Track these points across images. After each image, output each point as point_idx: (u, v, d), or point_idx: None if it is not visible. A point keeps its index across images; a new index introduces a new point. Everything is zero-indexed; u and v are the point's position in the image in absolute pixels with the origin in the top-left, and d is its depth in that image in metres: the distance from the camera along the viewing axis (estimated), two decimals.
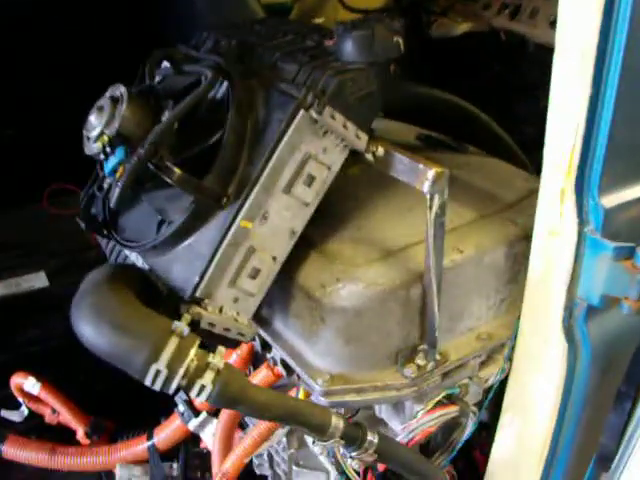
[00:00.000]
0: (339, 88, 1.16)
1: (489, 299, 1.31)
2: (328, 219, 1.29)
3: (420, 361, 1.23)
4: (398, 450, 1.25)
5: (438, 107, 1.49)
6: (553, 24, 1.98)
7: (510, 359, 1.33)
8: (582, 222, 1.18)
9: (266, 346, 1.38)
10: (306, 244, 1.25)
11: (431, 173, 1.11)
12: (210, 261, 1.16)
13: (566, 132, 1.15)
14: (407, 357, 1.24)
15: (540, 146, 1.22)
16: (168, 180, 1.15)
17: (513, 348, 1.33)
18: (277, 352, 1.34)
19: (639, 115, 1.17)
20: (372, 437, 1.21)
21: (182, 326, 1.09)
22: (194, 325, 1.15)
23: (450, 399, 1.30)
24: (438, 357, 1.26)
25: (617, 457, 1.31)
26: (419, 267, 1.21)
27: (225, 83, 1.26)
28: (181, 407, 1.74)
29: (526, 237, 1.30)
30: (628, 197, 1.21)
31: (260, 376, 1.45)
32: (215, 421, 1.68)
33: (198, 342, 1.08)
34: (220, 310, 1.18)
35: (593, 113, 1.14)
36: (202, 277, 1.16)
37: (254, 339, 1.38)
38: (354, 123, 1.17)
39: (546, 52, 2.06)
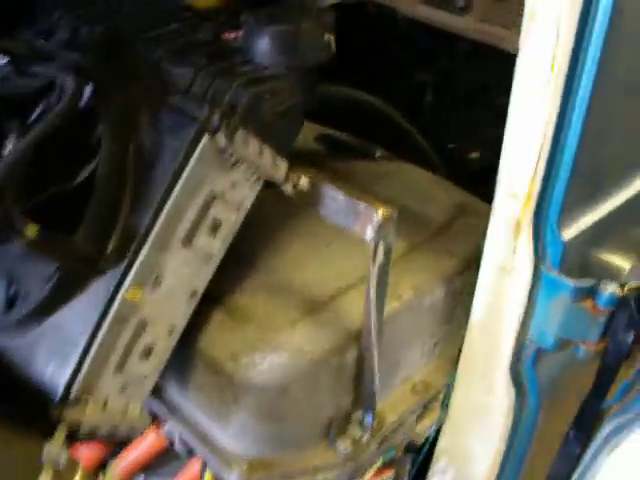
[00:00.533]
0: (253, 103, 0.86)
1: (424, 344, 1.09)
2: (232, 262, 1.00)
3: (355, 431, 1.00)
4: None
5: (347, 105, 1.22)
6: None
7: (447, 405, 1.15)
8: (539, 258, 0.99)
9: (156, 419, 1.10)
10: (208, 299, 0.96)
11: (376, 216, 0.86)
12: (87, 347, 0.83)
13: (527, 156, 0.94)
14: (340, 429, 1.00)
15: None
16: (18, 242, 0.81)
17: (450, 394, 1.14)
18: (175, 427, 1.05)
19: (606, 134, 0.98)
20: None
21: (56, 451, 0.78)
22: (73, 434, 0.84)
23: (385, 463, 1.10)
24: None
25: None
26: (354, 323, 0.96)
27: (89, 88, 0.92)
28: None
29: (464, 270, 1.09)
30: (584, 225, 1.03)
31: (144, 446, 1.16)
32: None
33: (80, 471, 0.78)
34: (104, 405, 0.88)
35: (559, 135, 0.93)
36: (77, 370, 0.84)
37: None
38: (271, 147, 0.89)
39: (415, 27, 1.89)
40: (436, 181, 1.26)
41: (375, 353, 0.93)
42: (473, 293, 1.08)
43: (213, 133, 0.82)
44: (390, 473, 1.07)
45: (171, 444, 1.09)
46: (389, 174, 1.23)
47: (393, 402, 1.05)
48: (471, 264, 1.09)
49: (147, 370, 0.90)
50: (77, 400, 0.84)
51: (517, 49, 1.71)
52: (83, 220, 0.83)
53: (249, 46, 0.88)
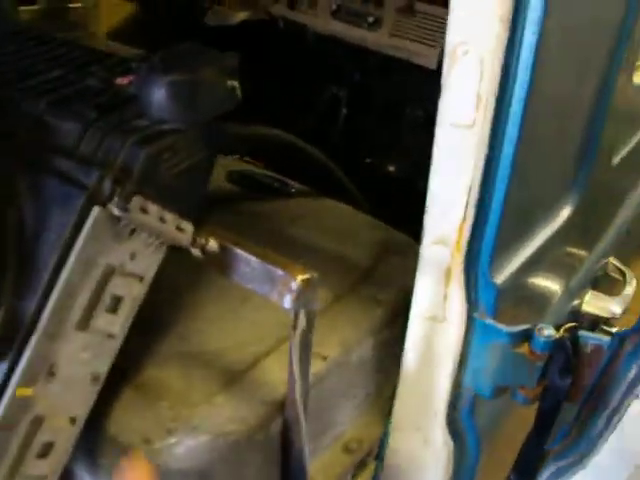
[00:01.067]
0: (150, 165, 0.75)
1: (355, 398, 1.01)
2: (138, 330, 0.88)
3: None
4: None
5: (261, 144, 1.12)
6: (334, 14, 1.70)
7: (381, 459, 1.06)
8: (471, 305, 0.92)
9: None
10: (114, 374, 0.84)
11: (295, 284, 0.76)
12: None
13: (455, 202, 0.86)
14: None
15: None
16: None
17: (384, 447, 1.06)
18: None
19: (534, 171, 0.91)
20: None
21: None
22: None
23: None
24: None
25: None
26: (276, 391, 0.86)
27: None
28: None
29: (393, 318, 1.01)
30: (515, 266, 0.96)
31: None
32: None
33: None
34: None
35: (488, 177, 0.86)
36: None
37: None
38: (174, 210, 0.78)
39: (327, 43, 1.81)
40: (357, 217, 1.17)
41: (302, 423, 0.84)
42: (403, 341, 1.01)
43: (104, 203, 0.71)
44: None
45: None
46: (307, 214, 1.14)
47: (324, 466, 0.96)
48: (399, 311, 1.01)
49: (46, 469, 0.77)
50: None
51: (428, 62, 1.67)
52: None
53: (142, 97, 0.76)
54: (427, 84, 1.56)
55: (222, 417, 0.83)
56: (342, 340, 0.93)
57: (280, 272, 0.77)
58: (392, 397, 1.03)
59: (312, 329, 0.80)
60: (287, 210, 1.15)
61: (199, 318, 0.94)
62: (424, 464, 1.01)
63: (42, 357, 0.72)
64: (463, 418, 1.00)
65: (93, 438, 0.85)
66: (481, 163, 0.85)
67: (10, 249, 0.73)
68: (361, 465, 1.01)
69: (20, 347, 0.71)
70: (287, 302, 0.77)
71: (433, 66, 1.63)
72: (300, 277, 0.76)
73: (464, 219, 0.89)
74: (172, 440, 0.81)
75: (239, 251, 0.79)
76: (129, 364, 0.86)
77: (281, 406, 0.85)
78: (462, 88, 0.82)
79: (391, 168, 1.98)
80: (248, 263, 0.79)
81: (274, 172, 1.20)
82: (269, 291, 0.78)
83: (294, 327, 0.78)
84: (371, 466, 1.03)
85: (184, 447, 0.81)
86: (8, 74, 0.84)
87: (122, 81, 0.85)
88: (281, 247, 0.81)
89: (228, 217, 0.97)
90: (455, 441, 1.00)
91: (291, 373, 0.80)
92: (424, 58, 1.69)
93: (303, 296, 0.77)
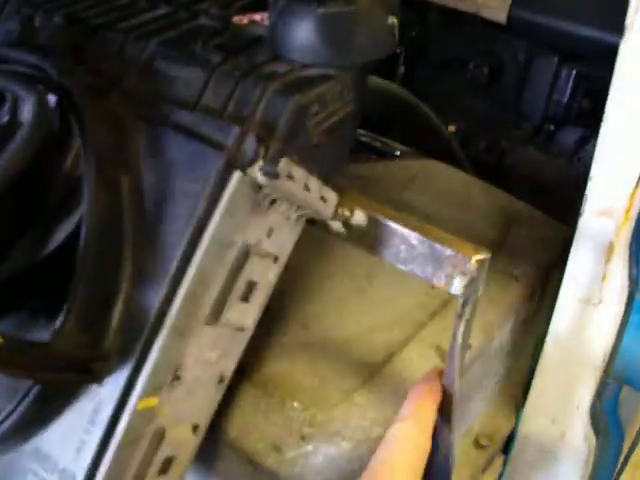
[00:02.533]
0: (299, 118, 0.57)
1: (487, 388, 0.86)
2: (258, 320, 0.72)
3: None
4: None
5: (378, 98, 0.94)
6: None
7: (510, 453, 0.91)
8: (633, 285, 0.76)
9: None
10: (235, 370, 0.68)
11: (469, 265, 0.60)
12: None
13: (628, 165, 0.69)
14: None
15: None
16: None
17: (512, 441, 0.91)
18: None
19: None
20: None
21: None
22: None
23: None
24: None
25: None
26: None
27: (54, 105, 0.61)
28: None
29: (530, 296, 0.85)
30: None
31: None
32: None
33: None
34: None
35: None
36: None
37: None
38: (319, 176, 0.61)
39: None
40: (471, 182, 0.99)
41: (454, 422, 0.69)
42: (539, 321, 0.85)
43: (247, 167, 0.54)
44: None
45: None
46: (417, 177, 0.97)
47: (457, 466, 0.81)
48: (536, 288, 0.85)
49: None
50: None
51: (497, 15, 1.48)
52: (63, 308, 0.53)
53: (280, 36, 0.58)
54: (493, 40, 1.39)
55: (366, 419, 0.67)
56: (484, 324, 0.77)
57: (449, 251, 0.60)
58: (522, 384, 0.88)
59: (474, 318, 0.64)
60: (396, 173, 0.97)
61: (320, 301, 0.77)
62: (560, 460, 0.87)
63: (169, 360, 0.56)
64: (607, 411, 0.84)
65: (213, 447, 0.69)
66: None
67: (127, 227, 0.56)
68: (490, 461, 0.87)
69: (145, 348, 0.55)
70: (456, 287, 0.60)
71: (503, 20, 1.44)
72: (475, 257, 0.60)
73: (637, 185, 0.72)
74: (308, 448, 0.66)
75: (394, 225, 0.62)
76: (249, 359, 0.70)
77: None
78: None
79: (452, 128, 1.81)
80: (406, 240, 0.62)
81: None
82: (432, 274, 0.62)
83: (459, 316, 0.62)
84: (499, 462, 0.89)
85: (323, 456, 0.66)
86: (106, 13, 0.66)
87: (241, 20, 0.67)
88: None
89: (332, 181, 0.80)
90: (598, 437, 0.85)
91: (450, 368, 0.64)
92: (493, 11, 1.50)
93: (475, 282, 0.60)
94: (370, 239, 0.64)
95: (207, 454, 0.71)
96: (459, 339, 0.63)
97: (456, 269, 0.61)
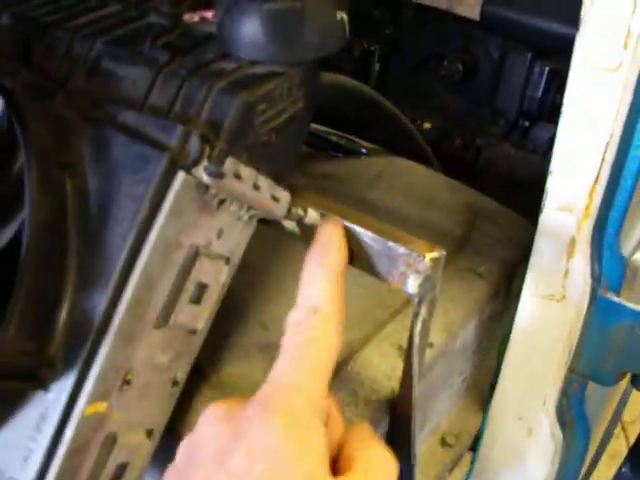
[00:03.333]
0: (245, 116, 0.55)
1: (452, 386, 0.84)
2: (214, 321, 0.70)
3: None
4: None
5: (336, 96, 0.93)
6: None
7: (478, 450, 0.90)
8: (595, 281, 0.75)
9: None
10: (191, 373, 0.66)
11: (423, 264, 0.58)
12: None
13: (588, 161, 0.68)
14: None
15: None
16: None
17: (480, 438, 0.90)
18: None
19: None
20: None
21: None
22: None
23: None
24: None
25: None
26: (381, 388, 0.69)
27: None
28: None
29: (495, 294, 0.84)
30: None
31: None
32: None
33: None
34: None
35: (630, 129, 0.68)
36: None
37: None
38: (269, 175, 0.59)
39: None
40: (437, 179, 0.98)
41: (415, 423, 0.68)
42: (505, 319, 0.84)
43: (191, 167, 0.52)
44: None
45: None
46: (382, 175, 0.95)
47: (422, 464, 0.80)
48: (500, 286, 0.84)
49: None
50: None
51: (470, 12, 1.47)
52: (5, 313, 0.52)
53: (227, 33, 0.56)
54: (467, 37, 1.38)
55: None
56: (447, 323, 0.76)
57: (403, 249, 0.59)
58: (489, 383, 0.87)
59: (432, 317, 0.63)
60: (361, 171, 0.96)
61: (280, 301, 0.75)
62: (527, 457, 0.86)
63: (116, 365, 0.54)
64: (573, 406, 0.84)
65: (167, 447, 0.68)
66: (623, 113, 0.68)
67: (71, 230, 0.54)
68: (457, 460, 0.86)
69: (91, 353, 0.53)
70: (411, 286, 0.59)
71: (476, 16, 1.43)
72: (429, 256, 0.58)
73: (597, 181, 0.71)
74: None
75: (347, 224, 0.61)
76: (205, 361, 0.69)
77: (387, 405, 0.69)
78: (608, 21, 0.64)
79: (427, 125, 1.80)
80: (360, 239, 0.61)
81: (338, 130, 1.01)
82: (386, 273, 0.60)
83: (415, 315, 0.61)
84: (467, 460, 0.88)
85: None
86: (55, 12, 0.64)
87: (191, 17, 0.65)
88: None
89: (298, 180, 0.79)
90: (564, 432, 0.84)
91: (408, 368, 0.63)
92: (466, 7, 1.49)
93: (430, 280, 0.59)
94: None
95: (165, 459, 0.70)
96: (417, 339, 0.62)
97: (410, 268, 0.59)
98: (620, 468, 0.92)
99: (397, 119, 1.02)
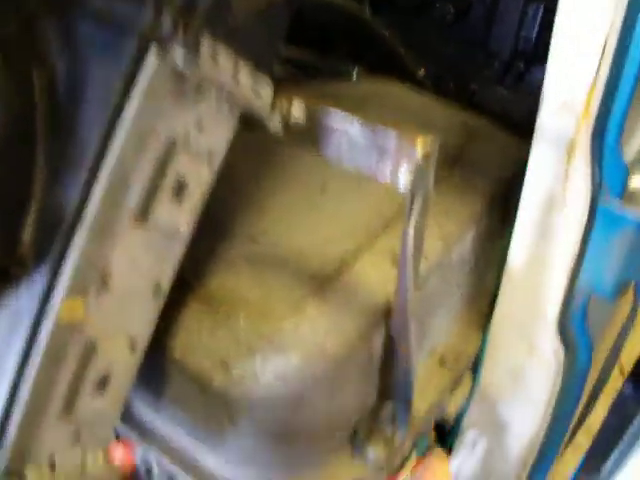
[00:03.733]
0: None
1: (449, 302, 0.81)
2: (202, 232, 0.67)
3: (385, 431, 0.72)
4: None
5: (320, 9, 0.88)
6: None
7: (479, 371, 0.87)
8: (596, 186, 0.71)
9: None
10: (177, 286, 0.62)
11: (415, 152, 0.55)
12: (11, 398, 0.51)
13: (587, 56, 0.64)
14: (367, 432, 0.72)
15: None
16: None
17: (481, 358, 0.87)
18: (152, 453, 0.74)
19: None
20: None
21: None
22: None
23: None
24: None
25: (610, 462, 0.95)
26: (376, 297, 0.66)
27: None
28: None
29: (491, 209, 0.80)
30: None
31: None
32: None
33: None
34: (52, 466, 0.56)
35: (632, 21, 0.64)
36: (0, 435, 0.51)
37: None
38: (249, 64, 0.55)
39: None
40: (429, 101, 0.94)
41: (412, 331, 0.65)
42: (502, 234, 0.81)
43: (165, 48, 0.48)
44: (423, 464, 0.80)
45: (148, 473, 0.78)
46: (374, 96, 0.91)
47: (420, 384, 0.76)
48: (497, 201, 0.81)
49: (105, 405, 0.57)
50: (9, 475, 0.52)
51: None
52: None
53: None
54: None
55: (316, 330, 0.62)
56: (443, 235, 0.73)
57: (393, 141, 0.55)
58: (489, 303, 0.84)
59: (427, 216, 0.59)
60: (351, 93, 0.91)
61: (270, 215, 0.72)
62: (529, 375, 0.83)
63: (92, 261, 0.51)
64: (575, 323, 0.80)
65: (157, 365, 0.65)
66: (622, 5, 0.64)
67: (39, 123, 0.51)
68: (457, 381, 0.83)
69: (63, 248, 0.50)
70: (402, 180, 0.55)
71: None
72: (421, 146, 0.55)
73: (596, 78, 0.67)
74: (256, 362, 0.61)
75: (334, 117, 0.57)
76: (194, 273, 0.66)
77: (383, 313, 0.65)
78: None
79: (421, 71, 1.76)
80: (347, 133, 0.57)
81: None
82: (376, 168, 0.57)
83: (409, 212, 0.57)
84: (468, 381, 0.85)
85: (271, 370, 0.61)
86: None
87: None
88: None
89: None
90: (566, 350, 0.81)
91: (402, 272, 0.60)
92: None
93: (423, 170, 0.56)
94: (310, 137, 0.59)
95: (153, 377, 0.67)
96: (410, 240, 0.59)
97: (401, 160, 0.56)
98: (622, 388, 0.89)
99: (384, 39, 0.98)
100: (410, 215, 0.57)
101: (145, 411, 0.71)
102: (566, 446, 0.96)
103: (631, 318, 1.07)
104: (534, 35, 1.25)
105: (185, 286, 0.65)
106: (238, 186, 0.73)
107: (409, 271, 0.60)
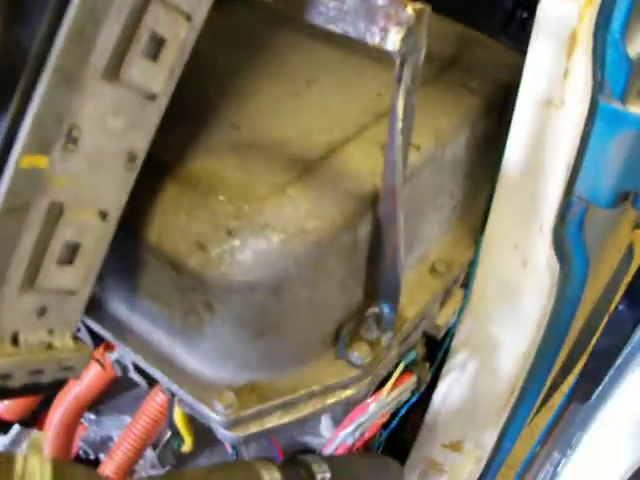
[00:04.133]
0: None
1: (442, 208, 0.77)
2: (182, 113, 0.63)
3: (370, 333, 0.69)
4: (357, 471, 0.73)
5: None
6: None
7: (470, 285, 0.84)
8: (596, 85, 0.67)
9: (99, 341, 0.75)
10: (154, 168, 0.59)
11: (405, 14, 0.51)
12: None
13: None
14: (351, 332, 0.69)
15: None
16: None
17: (472, 272, 0.84)
18: (126, 352, 0.71)
19: None
20: (322, 474, 0.67)
21: None
22: None
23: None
24: None
25: (602, 385, 0.92)
26: (364, 183, 0.62)
27: None
28: None
29: (487, 111, 0.76)
30: None
31: (87, 379, 0.81)
32: (34, 432, 1.01)
33: None
34: (13, 341, 0.53)
35: None
36: None
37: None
38: None
39: None
40: None
41: (400, 220, 0.61)
42: (497, 140, 0.77)
43: None
44: (411, 380, 0.77)
45: (124, 372, 0.76)
46: None
47: (410, 289, 0.73)
48: (493, 104, 0.77)
49: (73, 280, 0.54)
50: None
51: None
52: None
53: None
54: None
55: (299, 211, 0.58)
56: (436, 129, 0.69)
57: (382, 0, 0.52)
58: (483, 212, 0.80)
59: (416, 89, 0.56)
60: None
61: (256, 101, 0.68)
62: (522, 290, 0.79)
63: (57, 111, 0.47)
64: (571, 234, 0.77)
65: (130, 249, 0.62)
66: None
67: None
68: (448, 293, 0.80)
69: (24, 93, 0.46)
70: (392, 42, 0.52)
71: None
72: (412, 5, 0.51)
73: None
74: (235, 243, 0.57)
75: None
76: (173, 154, 0.61)
77: (371, 200, 0.62)
78: None
79: None
80: None
81: None
82: (364, 30, 0.53)
83: (397, 80, 0.53)
84: (458, 295, 0.82)
85: (251, 251, 0.57)
86: None
87: None
88: None
89: None
90: (561, 263, 0.78)
91: (390, 150, 0.56)
92: None
93: (413, 35, 0.52)
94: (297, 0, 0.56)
95: (128, 269, 0.64)
96: (399, 112, 0.55)
97: (391, 20, 0.52)
98: (616, 306, 0.86)
99: None
100: (399, 83, 0.54)
101: (120, 307, 0.68)
102: (558, 372, 0.93)
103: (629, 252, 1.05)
104: None
105: (163, 168, 0.61)
106: (220, 75, 0.69)
107: (397, 150, 0.56)
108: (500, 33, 1.32)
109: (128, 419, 0.94)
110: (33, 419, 1.01)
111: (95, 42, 0.47)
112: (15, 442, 1.00)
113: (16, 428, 1.00)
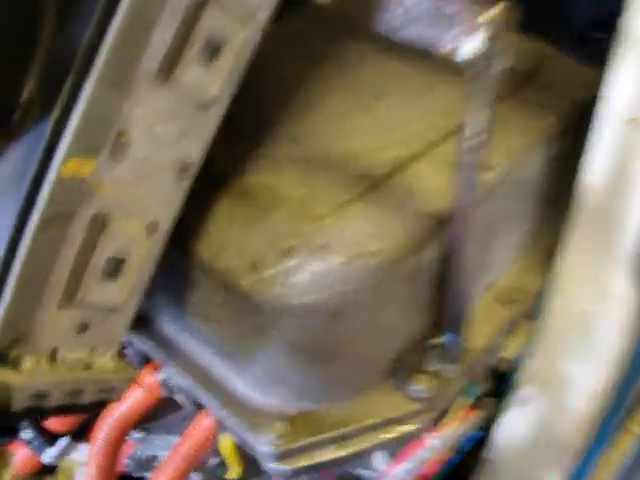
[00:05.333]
0: None
1: (514, 234, 0.70)
2: (242, 126, 0.58)
3: (434, 365, 0.62)
4: None
5: None
6: None
7: (542, 318, 0.76)
8: None
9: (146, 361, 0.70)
10: (210, 181, 0.54)
11: (481, 21, 0.45)
12: (4, 268, 0.44)
13: None
14: (413, 363, 0.62)
15: None
16: None
17: (543, 303, 0.76)
18: (173, 373, 0.66)
19: None
20: None
21: None
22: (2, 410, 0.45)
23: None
24: None
25: None
26: (432, 204, 0.56)
27: None
28: (28, 433, 0.96)
29: (564, 131, 0.69)
30: None
31: (131, 400, 0.76)
32: (84, 446, 0.96)
33: None
34: (52, 358, 0.48)
35: None
36: None
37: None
38: None
39: None
40: None
41: (469, 244, 0.54)
42: (573, 162, 0.69)
43: None
44: (477, 415, 0.69)
45: (171, 393, 0.70)
46: None
47: (477, 319, 0.66)
48: (570, 124, 0.69)
49: (116, 296, 0.49)
50: (4, 352, 0.44)
51: None
52: None
53: None
54: None
55: (361, 232, 0.52)
56: (511, 148, 0.62)
57: (456, 6, 0.45)
58: (556, 238, 0.72)
59: (491, 106, 0.49)
60: None
61: (321, 115, 0.62)
62: (599, 324, 0.71)
63: (104, 114, 0.43)
64: None
65: (181, 266, 0.57)
66: None
67: None
68: (516, 324, 0.72)
69: (71, 96, 0.42)
70: (465, 51, 0.45)
71: None
72: (488, 13, 0.44)
73: None
74: (291, 263, 0.52)
75: None
76: (230, 168, 0.56)
77: (438, 222, 0.55)
78: None
79: None
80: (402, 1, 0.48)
81: None
82: (436, 38, 0.47)
83: (471, 93, 0.47)
84: (526, 326, 0.74)
85: (308, 273, 0.52)
86: None
87: None
88: None
89: None
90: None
91: (461, 169, 0.50)
92: None
93: (490, 43, 0.45)
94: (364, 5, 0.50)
95: (178, 287, 0.59)
96: (471, 128, 0.49)
97: (465, 29, 0.46)
98: None
99: None
100: (473, 97, 0.47)
101: (170, 326, 0.63)
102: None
103: None
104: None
105: (217, 181, 0.56)
106: (282, 86, 0.64)
107: (468, 169, 0.50)
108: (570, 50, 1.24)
109: (175, 439, 0.89)
110: (83, 431, 0.97)
111: (146, 45, 0.42)
112: (63, 454, 0.96)
113: (65, 440, 0.96)
